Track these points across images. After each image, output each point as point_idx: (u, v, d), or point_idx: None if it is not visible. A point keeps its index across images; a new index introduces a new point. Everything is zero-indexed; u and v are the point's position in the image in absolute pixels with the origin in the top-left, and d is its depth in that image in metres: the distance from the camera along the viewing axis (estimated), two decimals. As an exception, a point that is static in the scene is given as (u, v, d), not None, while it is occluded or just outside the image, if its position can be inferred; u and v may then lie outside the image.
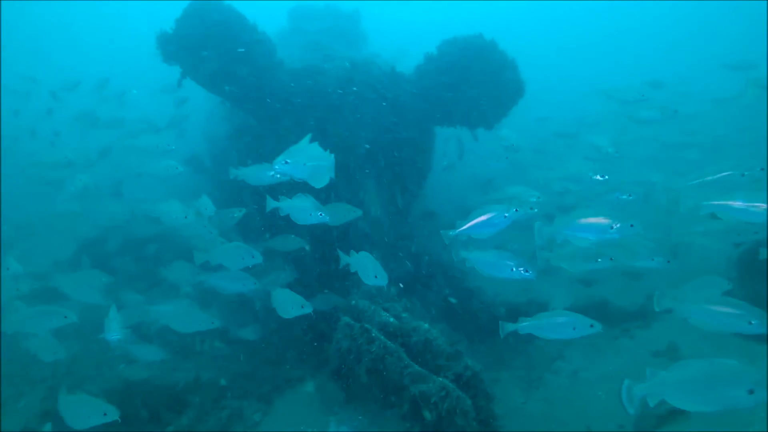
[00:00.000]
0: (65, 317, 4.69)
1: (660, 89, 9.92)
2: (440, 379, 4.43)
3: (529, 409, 5.52)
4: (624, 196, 5.33)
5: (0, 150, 10.82)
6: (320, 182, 4.11)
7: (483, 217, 4.29)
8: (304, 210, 4.41)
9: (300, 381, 5.95)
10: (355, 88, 6.82)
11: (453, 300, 6.49)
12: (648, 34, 26.42)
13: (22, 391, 6.01)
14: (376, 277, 4.35)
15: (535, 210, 4.79)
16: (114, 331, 4.39)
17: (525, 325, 3.91)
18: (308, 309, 4.59)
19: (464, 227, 4.35)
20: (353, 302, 5.27)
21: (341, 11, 13.15)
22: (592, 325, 3.68)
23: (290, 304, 4.60)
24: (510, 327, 4.00)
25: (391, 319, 4.94)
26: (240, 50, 6.55)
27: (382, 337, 4.69)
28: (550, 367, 6.18)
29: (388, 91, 6.95)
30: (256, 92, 6.88)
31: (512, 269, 4.07)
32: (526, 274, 4.05)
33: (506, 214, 4.19)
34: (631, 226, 4.13)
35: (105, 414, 3.76)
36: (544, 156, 10.05)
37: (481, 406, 4.44)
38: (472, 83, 6.99)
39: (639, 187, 5.84)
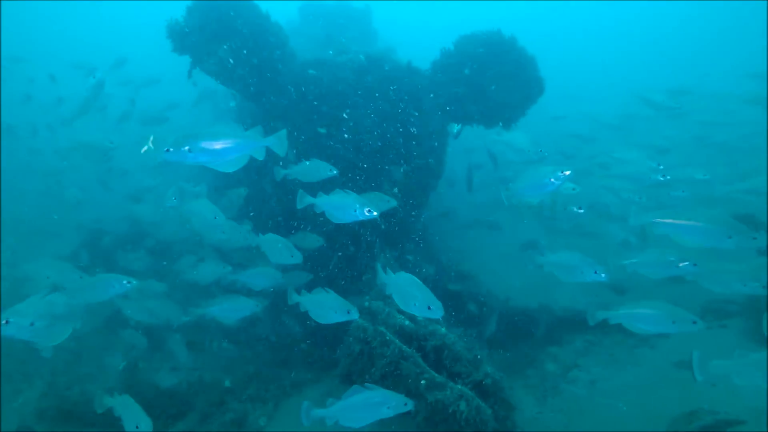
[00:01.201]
0: (128, 283, 4.38)
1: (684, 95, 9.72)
2: (458, 386, 4.21)
3: (545, 420, 5.29)
4: (676, 193, 5.20)
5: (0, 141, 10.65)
6: (228, 166, 3.55)
7: (535, 177, 4.15)
8: (346, 207, 3.89)
9: (307, 385, 5.75)
10: (369, 80, 6.61)
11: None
12: (671, 38, 26.04)
13: (19, 388, 5.83)
14: (429, 308, 3.52)
15: (582, 211, 4.57)
16: (16, 324, 3.94)
17: (619, 314, 3.67)
18: (355, 314, 3.95)
19: (519, 186, 4.25)
20: (366, 303, 5.04)
21: (352, 8, 13.00)
22: (694, 322, 3.47)
23: (332, 308, 4.00)
24: (601, 315, 3.76)
25: (407, 322, 4.72)
26: (251, 40, 6.35)
27: (398, 341, 4.47)
28: (565, 377, 5.95)
29: (404, 86, 6.73)
30: (267, 83, 6.68)
31: (582, 272, 3.94)
32: (602, 276, 3.90)
33: (554, 178, 4.04)
34: (754, 238, 3.76)
35: (137, 427, 3.60)
36: (571, 160, 9.79)
37: (502, 416, 4.21)
38: (490, 80, 6.78)
39: (689, 185, 5.68)
